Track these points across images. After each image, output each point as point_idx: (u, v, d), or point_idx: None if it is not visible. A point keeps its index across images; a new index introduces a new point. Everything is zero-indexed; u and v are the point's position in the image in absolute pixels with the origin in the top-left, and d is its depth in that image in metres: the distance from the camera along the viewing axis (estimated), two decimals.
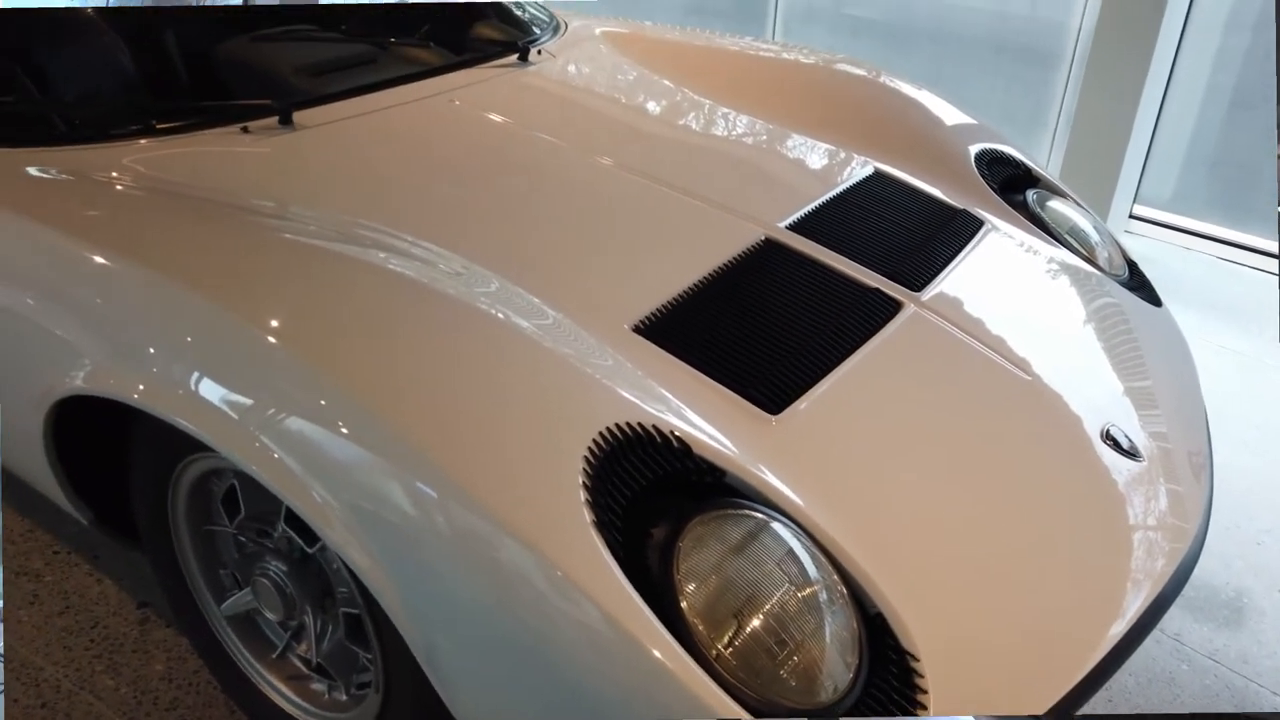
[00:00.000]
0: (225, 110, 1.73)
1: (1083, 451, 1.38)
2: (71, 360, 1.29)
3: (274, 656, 1.47)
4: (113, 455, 1.44)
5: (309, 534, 1.29)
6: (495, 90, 2.02)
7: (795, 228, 1.63)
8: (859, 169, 1.91)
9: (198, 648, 1.58)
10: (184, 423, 1.21)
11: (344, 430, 1.10)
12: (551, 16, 2.54)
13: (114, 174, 1.53)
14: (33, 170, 1.51)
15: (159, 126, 1.66)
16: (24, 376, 1.35)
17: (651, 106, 2.09)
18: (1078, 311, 1.70)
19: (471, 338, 1.22)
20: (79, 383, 1.27)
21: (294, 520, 1.30)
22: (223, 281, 1.27)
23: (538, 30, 2.40)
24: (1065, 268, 1.78)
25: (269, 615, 1.38)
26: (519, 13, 2.46)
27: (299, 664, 1.45)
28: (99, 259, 1.33)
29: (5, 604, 1.76)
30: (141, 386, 1.25)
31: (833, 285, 1.50)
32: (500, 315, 1.26)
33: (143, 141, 1.63)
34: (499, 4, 2.46)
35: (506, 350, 1.21)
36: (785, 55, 2.47)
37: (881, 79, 2.29)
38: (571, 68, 2.22)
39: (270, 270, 1.32)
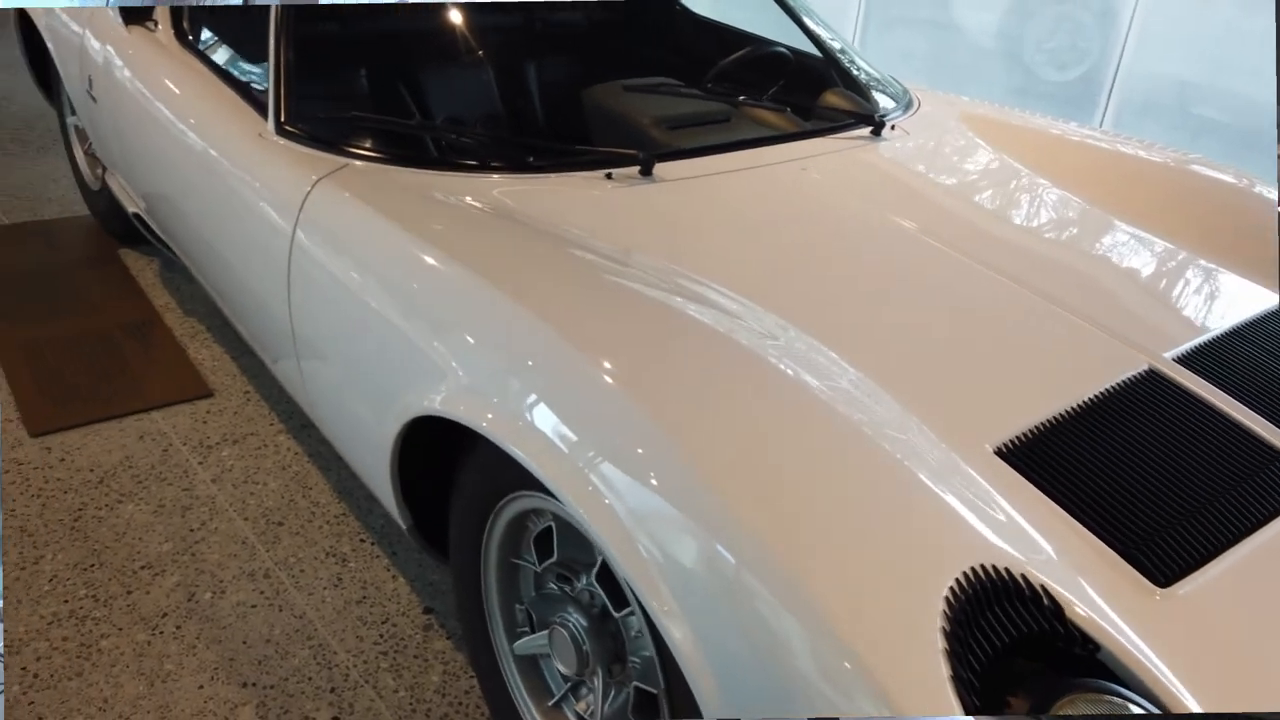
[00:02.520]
0: (595, 156, 1.78)
1: None
2: (434, 380, 1.35)
3: (549, 704, 1.45)
4: (442, 471, 1.50)
5: (616, 595, 1.26)
6: (848, 164, 1.96)
7: (1184, 361, 1.43)
8: (1257, 300, 1.66)
9: (478, 671, 1.60)
10: (521, 454, 1.21)
11: (675, 492, 1.06)
12: (904, 91, 2.45)
13: (488, 203, 1.60)
14: (428, 192, 1.61)
15: (535, 163, 1.74)
16: (392, 386, 1.43)
17: (1016, 200, 1.94)
18: None
19: (818, 425, 1.14)
20: (436, 404, 1.32)
21: (604, 578, 1.28)
22: (576, 319, 1.28)
23: (890, 103, 2.32)
24: None
25: (560, 667, 1.36)
26: (870, 82, 2.39)
27: (571, 719, 1.43)
28: (465, 284, 1.39)
29: (314, 580, 1.89)
30: (490, 415, 1.28)
31: (1233, 439, 1.29)
32: (853, 408, 1.18)
33: (518, 175, 1.71)
34: (849, 74, 2.41)
35: (859, 449, 1.12)
36: (1151, 156, 2.22)
37: (1256, 189, 2.03)
38: (928, 148, 2.12)
39: (626, 316, 1.32)
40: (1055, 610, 0.98)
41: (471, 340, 1.35)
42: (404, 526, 1.60)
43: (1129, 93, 5.52)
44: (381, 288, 1.47)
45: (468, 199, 1.61)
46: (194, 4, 2.38)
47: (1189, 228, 1.90)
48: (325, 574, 1.91)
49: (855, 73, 2.42)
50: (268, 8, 2.02)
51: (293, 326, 1.66)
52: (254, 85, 1.97)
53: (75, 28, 2.60)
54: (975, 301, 1.53)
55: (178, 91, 2.13)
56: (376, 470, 1.54)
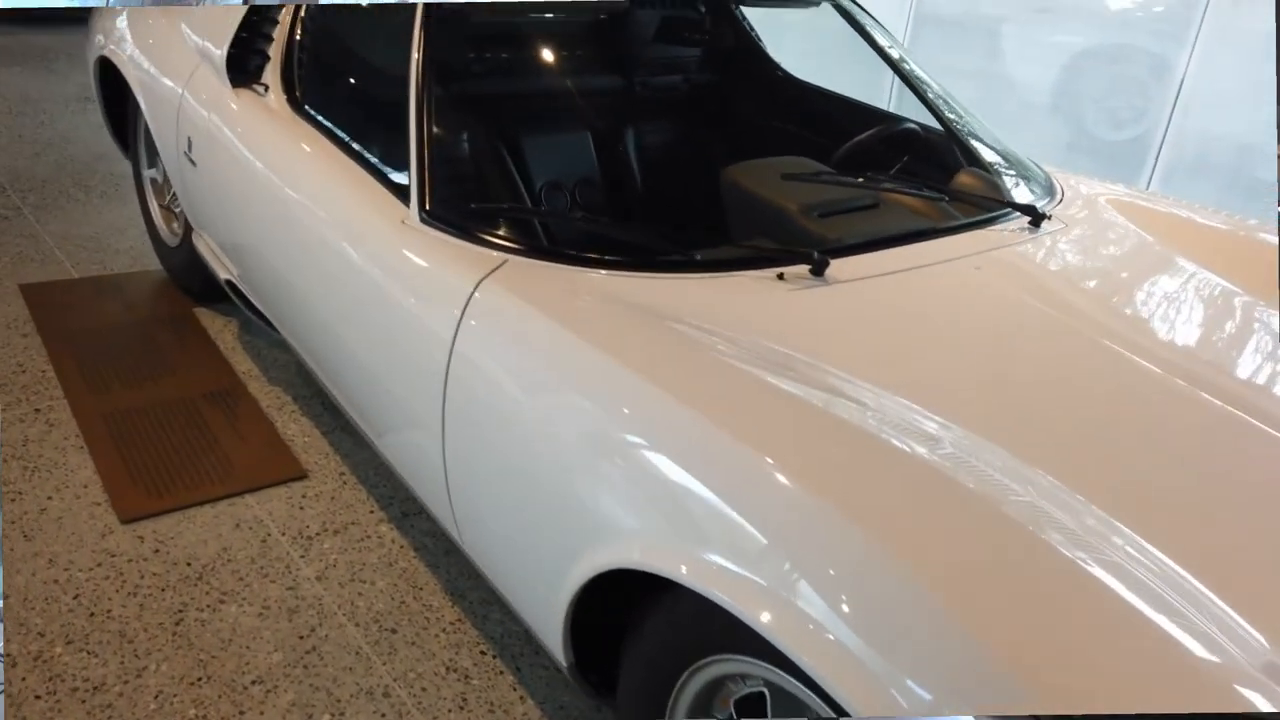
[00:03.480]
0: (766, 253, 1.65)
1: None
2: (629, 524, 1.21)
3: None
4: (613, 607, 1.36)
5: None
6: (1019, 261, 1.82)
7: None
8: None
9: None
10: (728, 600, 1.08)
11: (945, 647, 0.93)
12: (1044, 173, 2.32)
13: (669, 310, 1.45)
14: (603, 297, 1.48)
15: (703, 260, 1.61)
16: (576, 528, 1.28)
17: (1209, 309, 1.79)
18: None
19: (1086, 583, 1.02)
20: (635, 556, 1.18)
21: None
22: (804, 455, 1.16)
23: (1036, 190, 2.18)
24: None
25: None
26: (1011, 164, 2.26)
27: None
28: (669, 413, 1.24)
29: (437, 700, 1.73)
30: (684, 567, 1.15)
31: None
32: (1114, 559, 1.05)
33: (689, 275, 1.57)
34: (982, 155, 2.28)
35: (1141, 614, 0.99)
36: None
37: None
38: (1095, 243, 1.98)
39: (853, 451, 1.18)
40: None
41: (678, 478, 1.20)
42: (563, 665, 1.44)
43: (1181, 152, 5.43)
44: (568, 413, 1.33)
45: (646, 305, 1.46)
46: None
47: None
48: (448, 693, 1.76)
49: (992, 155, 2.29)
50: (387, 76, 1.91)
51: (445, 443, 1.51)
52: (384, 161, 1.85)
53: (174, 86, 2.50)
54: (1201, 435, 1.38)
55: (294, 164, 2.01)
56: (543, 611, 1.39)
